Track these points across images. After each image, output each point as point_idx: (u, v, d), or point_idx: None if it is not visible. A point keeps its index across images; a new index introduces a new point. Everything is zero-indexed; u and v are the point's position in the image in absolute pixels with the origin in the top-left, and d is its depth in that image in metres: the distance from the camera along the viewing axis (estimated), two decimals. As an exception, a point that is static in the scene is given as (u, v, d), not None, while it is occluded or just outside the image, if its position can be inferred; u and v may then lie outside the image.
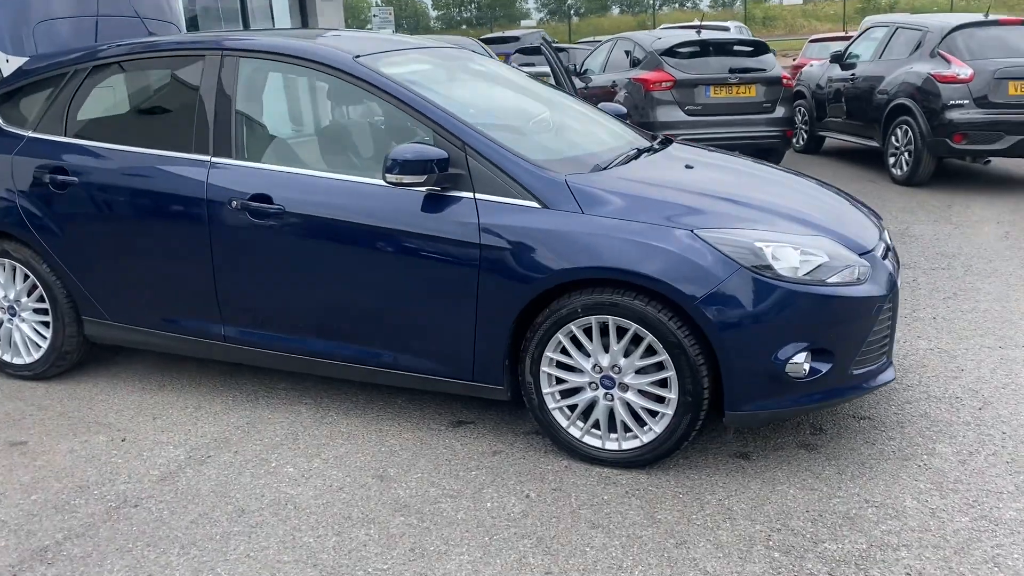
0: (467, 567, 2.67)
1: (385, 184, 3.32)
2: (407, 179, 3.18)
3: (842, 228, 3.29)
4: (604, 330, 3.14)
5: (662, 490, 3.09)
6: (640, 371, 3.14)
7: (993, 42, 8.65)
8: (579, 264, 3.05)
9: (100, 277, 3.90)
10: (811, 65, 11.53)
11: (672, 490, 3.09)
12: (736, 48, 9.53)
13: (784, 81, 9.44)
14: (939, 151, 8.46)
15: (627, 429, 3.22)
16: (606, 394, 3.19)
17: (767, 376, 3.02)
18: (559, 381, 3.27)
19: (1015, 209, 7.65)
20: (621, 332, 3.12)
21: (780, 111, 9.32)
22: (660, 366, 3.10)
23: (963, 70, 8.33)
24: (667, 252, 3.00)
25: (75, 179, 3.82)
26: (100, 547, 2.83)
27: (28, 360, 4.18)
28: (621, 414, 3.19)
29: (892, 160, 9.02)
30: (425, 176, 3.19)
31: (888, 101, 9.07)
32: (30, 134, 4.00)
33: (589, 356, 3.19)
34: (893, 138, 9.00)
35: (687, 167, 3.65)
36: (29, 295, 4.11)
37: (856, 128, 9.95)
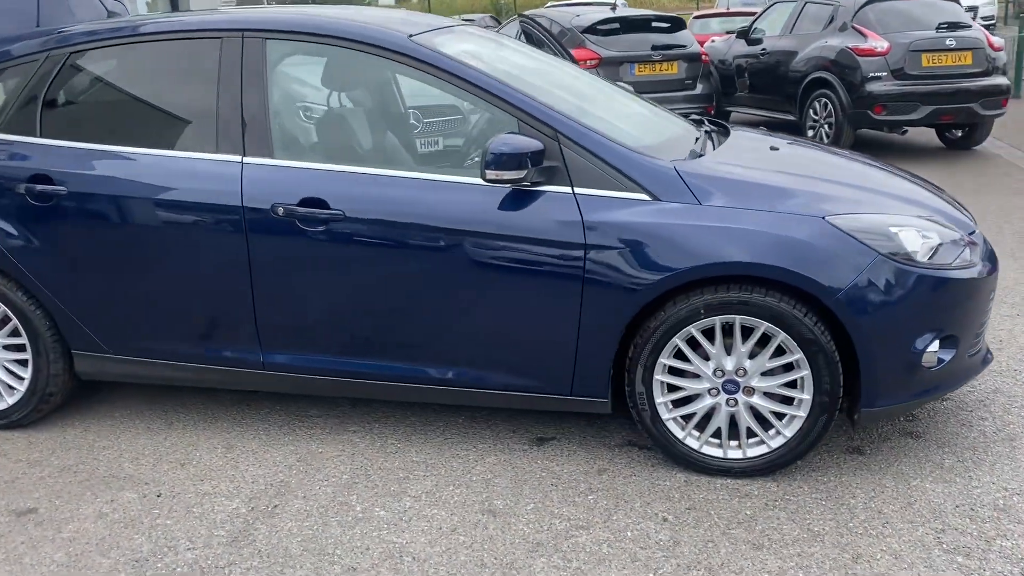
0: (655, 612, 2.37)
1: (462, 181, 2.95)
2: (507, 175, 2.80)
3: (941, 208, 3.16)
4: (724, 331, 2.88)
5: (800, 498, 2.88)
6: (766, 373, 2.90)
7: (900, 15, 8.94)
8: (709, 260, 2.78)
9: (98, 304, 3.30)
10: (713, 41, 11.64)
11: (810, 496, 2.88)
12: (655, 25, 9.45)
13: (703, 57, 9.46)
14: (859, 122, 8.68)
15: (750, 435, 2.98)
16: (728, 399, 2.94)
17: (904, 368, 2.86)
18: (671, 389, 2.99)
19: (929, 176, 7.93)
20: (744, 332, 2.86)
21: (700, 87, 9.34)
22: (790, 366, 2.87)
23: (879, 43, 8.57)
24: (802, 243, 2.77)
25: (62, 189, 3.19)
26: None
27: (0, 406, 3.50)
28: (747, 420, 2.95)
29: (811, 133, 9.19)
30: (524, 172, 2.82)
31: (804, 75, 9.23)
32: (-5, 137, 3.32)
33: (708, 360, 2.92)
34: (811, 111, 9.17)
35: (772, 148, 3.43)
36: (-2, 329, 3.44)
37: (767, 102, 10.11)
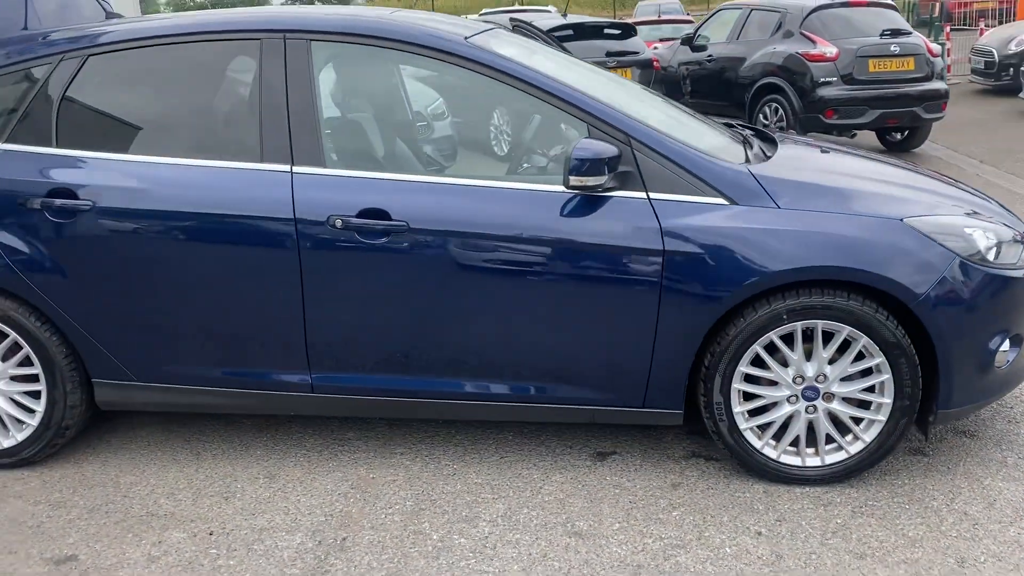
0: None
1: (530, 188, 2.84)
2: (589, 181, 2.69)
3: (992, 208, 3.19)
4: (798, 337, 2.83)
5: (883, 503, 2.85)
6: (845, 378, 2.87)
7: (845, 22, 9.18)
8: (797, 264, 2.73)
9: (125, 328, 3.03)
10: (656, 47, 11.75)
11: (892, 501, 2.86)
12: (607, 32, 9.47)
13: (655, 64, 9.53)
14: (811, 127, 8.86)
15: (828, 441, 2.94)
16: (808, 406, 2.89)
17: (978, 369, 2.87)
18: (747, 397, 2.92)
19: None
20: (824, 337, 2.82)
21: (653, 93, 9.38)
22: (869, 371, 2.84)
23: (829, 49, 8.77)
24: (886, 245, 2.75)
25: (88, 203, 2.92)
26: None
27: (6, 444, 3.19)
28: (826, 426, 2.91)
29: (763, 137, 9.33)
30: (604, 178, 2.71)
31: (754, 80, 9.38)
32: (1, 146, 3.01)
33: (787, 366, 2.87)
34: (762, 116, 9.32)
35: (823, 152, 3.41)
36: (5, 359, 3.13)
37: (714, 108, 10.23)
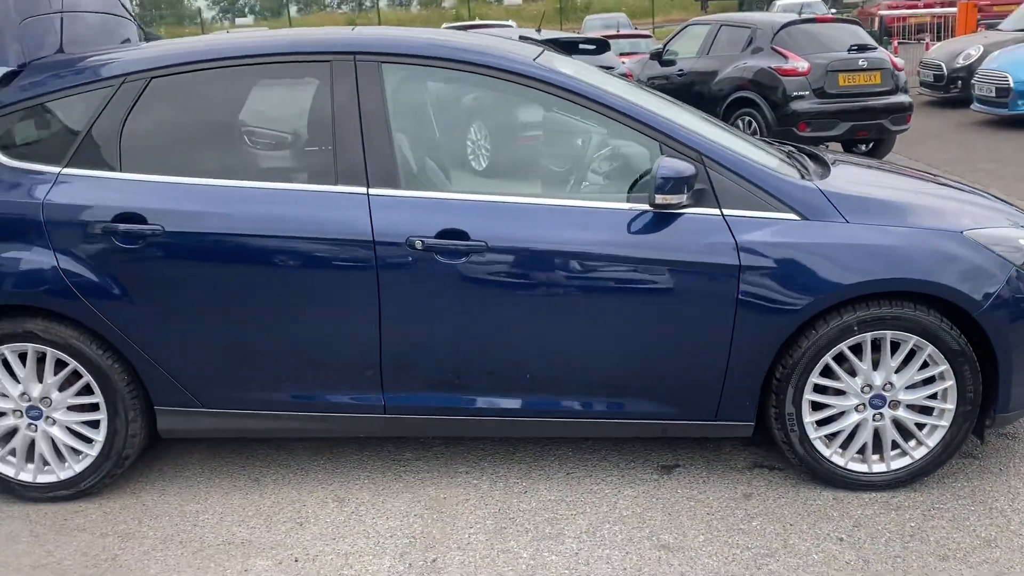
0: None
1: (603, 207, 2.90)
2: (672, 199, 2.75)
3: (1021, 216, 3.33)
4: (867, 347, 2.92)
5: (948, 505, 2.95)
6: (911, 386, 2.97)
7: (813, 38, 9.46)
8: (872, 276, 2.82)
9: (194, 354, 2.98)
10: (624, 63, 11.91)
11: (957, 503, 2.96)
12: (582, 47, 9.57)
13: (628, 77, 9.66)
14: (783, 139, 9.08)
15: (892, 448, 3.03)
16: (875, 414, 2.98)
17: (1031, 375, 2.99)
18: (816, 407, 3.00)
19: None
20: (888, 347, 2.92)
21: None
22: (931, 379, 2.95)
23: (800, 63, 9.02)
24: (951, 257, 2.86)
25: (159, 227, 2.87)
26: None
27: (64, 475, 3.11)
28: (892, 433, 3.00)
29: (737, 150, 9.54)
30: (684, 195, 2.78)
31: (726, 94, 9.59)
32: (62, 170, 2.95)
33: (855, 376, 2.96)
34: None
35: (870, 168, 3.52)
36: (62, 388, 3.05)
37: (687, 121, 10.42)
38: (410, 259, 2.85)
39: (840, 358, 2.94)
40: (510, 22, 16.05)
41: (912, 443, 3.03)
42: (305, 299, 2.90)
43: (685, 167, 2.76)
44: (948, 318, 2.89)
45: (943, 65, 13.13)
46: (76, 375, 3.03)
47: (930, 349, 2.90)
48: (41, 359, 3.01)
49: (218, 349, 2.97)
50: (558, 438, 3.43)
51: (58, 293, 2.90)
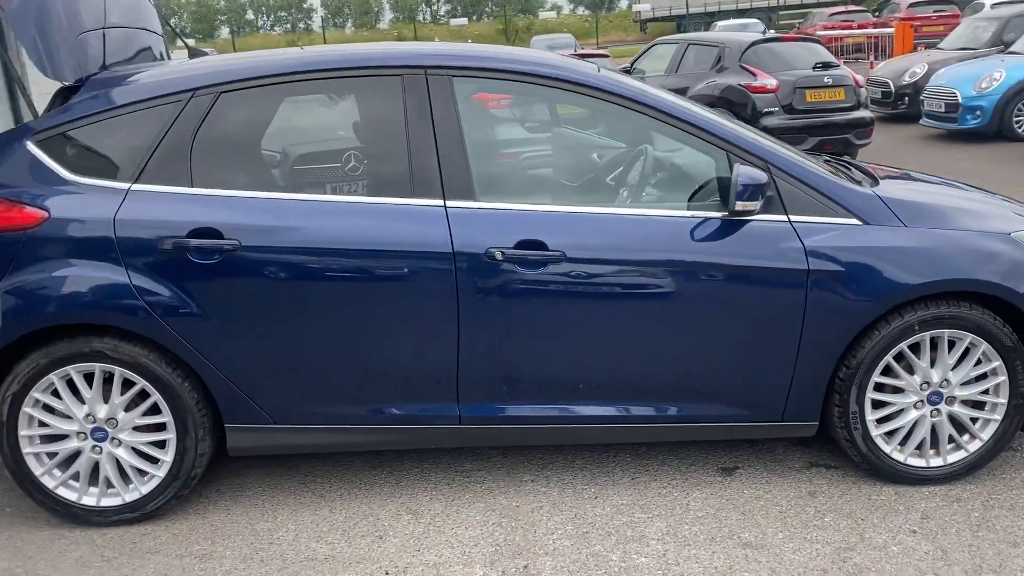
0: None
1: (673, 215, 2.98)
2: (750, 206, 2.85)
3: None
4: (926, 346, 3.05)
5: (1005, 495, 3.09)
6: (966, 382, 3.10)
7: (779, 56, 9.77)
8: (933, 279, 2.94)
9: (269, 371, 2.96)
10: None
11: (1013, 493, 3.10)
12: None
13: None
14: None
15: (948, 442, 3.16)
16: (932, 410, 3.11)
17: (1071, 367, 3.14)
18: (876, 406, 3.12)
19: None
20: (946, 345, 3.04)
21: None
22: (984, 375, 3.09)
23: (769, 80, 9.30)
24: (1004, 258, 3.01)
25: (235, 242, 2.85)
26: None
27: (130, 498, 3.04)
28: (948, 428, 3.13)
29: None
30: (759, 202, 2.87)
31: (697, 111, 9.80)
32: (131, 187, 2.91)
33: (914, 374, 3.08)
34: (707, 144, 9.74)
35: (909, 177, 3.67)
36: (128, 408, 2.99)
37: (656, 137, 10.64)
38: (488, 270, 2.88)
39: (898, 356, 3.05)
40: (470, 43, 16.17)
41: (966, 437, 3.15)
42: (382, 312, 2.91)
43: (760, 175, 2.85)
44: (999, 316, 3.03)
45: (890, 82, 13.62)
46: (142, 394, 2.96)
47: (984, 346, 3.03)
48: (106, 379, 2.94)
49: (293, 364, 2.95)
50: (614, 445, 3.47)
51: (130, 311, 2.85)
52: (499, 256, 2.86)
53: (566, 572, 2.73)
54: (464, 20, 41.21)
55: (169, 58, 3.91)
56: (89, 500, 3.04)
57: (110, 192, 2.88)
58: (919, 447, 3.15)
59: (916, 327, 3.00)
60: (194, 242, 2.84)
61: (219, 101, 2.95)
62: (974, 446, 3.15)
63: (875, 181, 3.30)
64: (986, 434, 3.13)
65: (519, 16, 41.11)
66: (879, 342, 3.00)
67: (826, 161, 3.62)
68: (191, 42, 3.67)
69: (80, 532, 3.05)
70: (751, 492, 3.16)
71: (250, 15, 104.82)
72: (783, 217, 2.97)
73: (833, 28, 25.61)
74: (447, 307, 2.89)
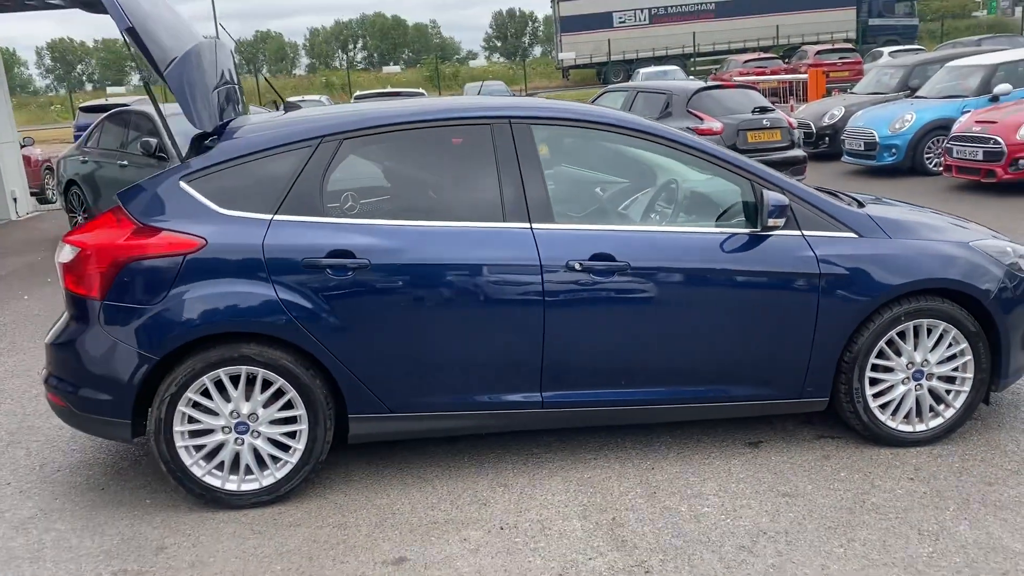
0: None
1: (710, 231, 3.69)
2: (779, 222, 3.59)
3: (992, 232, 4.37)
4: (910, 332, 3.82)
5: (975, 451, 3.84)
6: (941, 361, 3.89)
7: (718, 102, 10.77)
8: (915, 278, 3.73)
9: (389, 367, 3.55)
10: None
11: (981, 449, 3.86)
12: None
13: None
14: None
15: (929, 411, 3.93)
16: (916, 385, 3.88)
17: (1021, 348, 3.97)
18: (872, 383, 3.87)
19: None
20: (925, 332, 3.82)
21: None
22: (954, 356, 3.88)
23: (715, 124, 10.28)
24: (967, 262, 3.82)
25: (366, 261, 3.45)
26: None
27: (266, 482, 3.57)
28: (929, 400, 3.91)
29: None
30: (785, 220, 3.62)
31: (650, 152, 10.70)
32: (274, 217, 3.49)
33: (900, 356, 3.85)
34: (660, 182, 10.63)
35: (886, 202, 4.48)
36: (266, 405, 3.54)
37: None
38: (568, 278, 3.54)
39: (888, 342, 3.82)
40: (421, 90, 16.89)
41: (942, 407, 3.93)
42: (483, 315, 3.54)
43: (783, 198, 3.61)
44: (965, 308, 3.83)
45: (812, 124, 14.87)
46: (278, 392, 3.51)
47: (954, 332, 3.82)
48: (245, 379, 3.48)
49: (409, 360, 3.54)
50: (656, 428, 4.14)
51: (277, 319, 3.41)
52: (577, 267, 3.54)
53: (647, 521, 3.37)
54: (397, 67, 42.17)
55: (245, 107, 4.47)
56: (231, 486, 3.55)
57: (256, 222, 3.46)
58: (907, 416, 3.91)
59: (902, 318, 3.77)
60: (331, 261, 3.43)
61: (342, 146, 3.57)
62: (949, 413, 3.92)
63: (860, 204, 4.10)
64: (958, 403, 3.92)
65: (447, 63, 42.47)
66: (875, 330, 3.76)
67: (818, 188, 4.41)
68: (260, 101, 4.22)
69: (224, 513, 3.55)
70: (777, 458, 3.86)
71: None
72: (797, 232, 3.73)
73: (748, 74, 27.25)
74: (535, 310, 3.54)
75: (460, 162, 3.70)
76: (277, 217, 3.48)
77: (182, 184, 3.49)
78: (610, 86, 12.95)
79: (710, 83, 11.07)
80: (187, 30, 3.95)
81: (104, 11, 3.88)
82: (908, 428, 3.91)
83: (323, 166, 3.54)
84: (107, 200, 9.84)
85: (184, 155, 3.74)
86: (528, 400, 3.66)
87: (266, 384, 3.51)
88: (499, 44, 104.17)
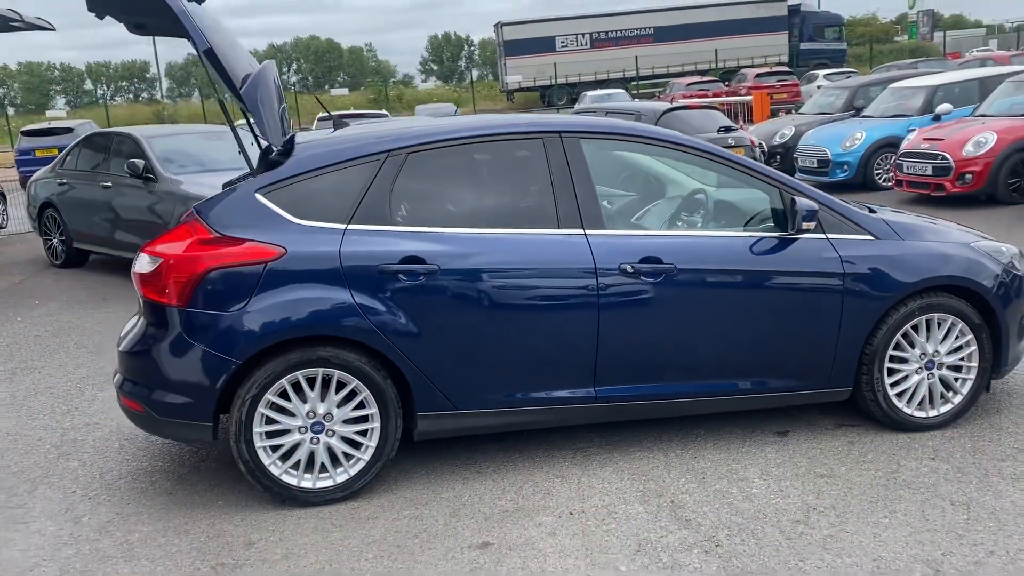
0: None
1: (742, 235, 4.02)
2: (810, 225, 3.93)
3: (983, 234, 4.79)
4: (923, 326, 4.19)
5: (982, 432, 4.22)
6: (950, 352, 4.27)
7: (685, 121, 11.23)
8: (928, 276, 4.10)
9: (457, 366, 3.77)
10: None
11: (987, 431, 4.24)
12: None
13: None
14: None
15: (941, 398, 4.30)
16: (928, 374, 4.26)
17: (1018, 340, 4.38)
18: (890, 373, 4.23)
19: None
20: (936, 324, 4.19)
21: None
22: (961, 347, 4.26)
23: (685, 143, 10.69)
24: (972, 261, 4.21)
25: (436, 266, 3.68)
26: None
27: (340, 479, 3.75)
28: (939, 387, 4.28)
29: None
30: (815, 223, 3.97)
31: (621, 170, 11.11)
32: (347, 227, 3.69)
33: (914, 347, 4.22)
34: (632, 199, 11.04)
35: (891, 210, 4.87)
36: (340, 405, 3.73)
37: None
38: (620, 279, 3.82)
39: (903, 335, 4.18)
40: (385, 112, 17.09)
41: (951, 393, 4.30)
42: (542, 315, 3.79)
43: (813, 204, 3.95)
44: (969, 303, 4.22)
45: (763, 143, 15.48)
46: (351, 392, 3.70)
47: (961, 324, 4.21)
48: (321, 381, 3.66)
49: (473, 359, 3.77)
50: (687, 421, 4.43)
51: (355, 323, 3.61)
52: (629, 270, 3.82)
53: (704, 502, 3.65)
54: (345, 90, 42.29)
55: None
56: (307, 483, 3.72)
57: (332, 231, 3.66)
58: (920, 403, 4.27)
59: (916, 312, 4.14)
60: (404, 267, 3.65)
61: (408, 160, 3.80)
62: (957, 399, 4.30)
63: (872, 210, 4.47)
64: (965, 390, 4.29)
65: (393, 86, 42.78)
66: (892, 324, 4.12)
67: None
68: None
69: (300, 511, 3.71)
70: (807, 445, 4.18)
71: (88, 85, 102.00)
72: (822, 235, 4.07)
73: (691, 97, 28.07)
74: (591, 310, 3.81)
75: (515, 173, 3.96)
76: (350, 227, 3.68)
77: (258, 196, 3.68)
78: (579, 108, 13.36)
79: (677, 104, 11.52)
80: (243, 51, 4.14)
81: (161, 33, 4.08)
82: (922, 414, 4.27)
83: (391, 178, 3.76)
84: (86, 221, 9.83)
85: (255, 169, 3.92)
86: (583, 396, 3.91)
87: (340, 385, 3.69)
88: (435, 68, 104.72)
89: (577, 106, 30.02)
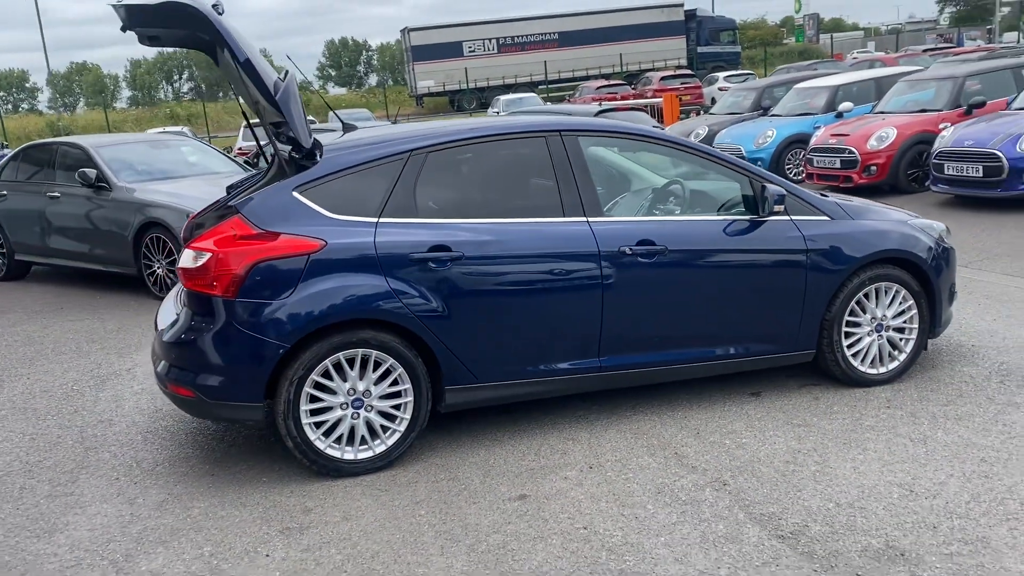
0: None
1: (723, 218, 4.57)
2: (780, 209, 4.51)
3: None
4: (873, 294, 4.83)
5: (926, 384, 4.88)
6: (895, 315, 4.93)
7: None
8: (876, 250, 4.73)
9: (481, 342, 4.18)
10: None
11: (929, 383, 4.90)
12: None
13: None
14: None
15: (888, 357, 4.96)
16: (878, 336, 4.90)
17: (948, 305, 5.08)
18: (847, 336, 4.87)
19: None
20: (883, 292, 4.84)
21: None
22: (903, 311, 4.93)
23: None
24: (911, 236, 4.88)
25: (461, 254, 4.10)
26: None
27: (379, 450, 4.12)
28: (887, 347, 4.94)
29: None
30: (783, 207, 4.55)
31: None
32: (379, 220, 4.07)
33: (865, 312, 4.87)
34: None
35: (824, 193, 5.52)
36: (377, 382, 4.11)
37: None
38: (621, 261, 4.32)
39: (856, 302, 4.81)
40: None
41: (897, 352, 4.96)
42: (554, 295, 4.25)
43: (781, 190, 4.53)
44: (907, 271, 4.89)
45: (681, 142, 16.32)
46: (386, 370, 4.08)
47: (904, 292, 4.87)
48: (360, 360, 4.03)
49: (495, 336, 4.20)
50: (675, 387, 4.96)
51: (392, 306, 3.99)
52: (628, 252, 4.32)
53: (703, 452, 4.16)
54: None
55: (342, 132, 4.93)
56: (349, 455, 4.07)
57: (365, 224, 4.03)
58: (872, 361, 4.91)
59: (866, 282, 4.78)
60: (433, 255, 4.05)
61: (428, 158, 4.21)
62: (902, 357, 4.95)
63: (824, 194, 5.10)
64: (908, 348, 4.95)
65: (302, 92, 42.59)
66: (848, 293, 4.74)
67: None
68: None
69: (344, 480, 4.06)
70: (780, 402, 4.76)
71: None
72: (787, 217, 4.67)
73: (601, 100, 28.96)
74: (595, 289, 4.29)
75: (524, 168, 4.41)
76: (382, 219, 4.06)
77: (295, 194, 4.02)
78: (514, 111, 13.87)
79: (606, 106, 12.15)
80: (265, 62, 4.46)
81: (173, 45, 4.38)
82: (874, 371, 4.91)
83: (414, 175, 4.16)
84: (30, 232, 9.78)
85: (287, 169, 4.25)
86: (589, 365, 4.39)
87: (376, 364, 4.06)
88: (333, 73, 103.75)
89: (490, 110, 30.54)
